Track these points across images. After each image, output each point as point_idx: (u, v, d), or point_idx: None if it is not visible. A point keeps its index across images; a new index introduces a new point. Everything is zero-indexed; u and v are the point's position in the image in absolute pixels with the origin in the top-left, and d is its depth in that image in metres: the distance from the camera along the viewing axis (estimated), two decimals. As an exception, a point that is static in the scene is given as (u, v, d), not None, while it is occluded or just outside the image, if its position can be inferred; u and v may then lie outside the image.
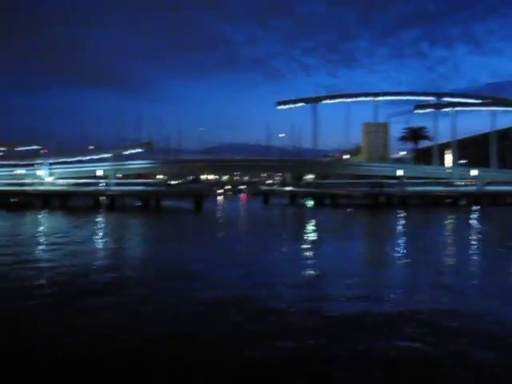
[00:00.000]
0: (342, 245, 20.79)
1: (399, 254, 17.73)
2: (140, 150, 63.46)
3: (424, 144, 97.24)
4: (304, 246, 19.62)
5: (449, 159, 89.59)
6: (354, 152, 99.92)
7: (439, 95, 64.56)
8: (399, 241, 22.73)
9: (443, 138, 70.60)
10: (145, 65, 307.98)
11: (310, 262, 16.14)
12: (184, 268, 14.51)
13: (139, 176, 70.42)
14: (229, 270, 14.07)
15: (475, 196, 52.49)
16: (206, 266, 14.84)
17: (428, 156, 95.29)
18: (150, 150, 66.31)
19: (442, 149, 72.32)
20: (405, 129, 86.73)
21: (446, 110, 61.43)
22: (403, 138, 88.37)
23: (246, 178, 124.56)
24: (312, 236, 24.32)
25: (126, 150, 62.07)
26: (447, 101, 63.85)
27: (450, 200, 52.10)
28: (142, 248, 20.26)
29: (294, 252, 18.26)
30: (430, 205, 50.24)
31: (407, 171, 64.92)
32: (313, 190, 58.62)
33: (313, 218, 37.55)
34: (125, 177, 66.12)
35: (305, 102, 65.51)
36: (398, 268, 15.17)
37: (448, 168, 63.00)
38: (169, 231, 28.15)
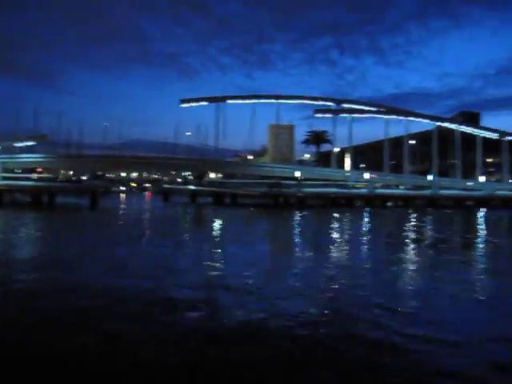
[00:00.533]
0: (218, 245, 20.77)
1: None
2: (32, 143, 59.81)
3: (327, 147, 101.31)
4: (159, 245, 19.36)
5: (348, 163, 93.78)
6: (261, 153, 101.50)
7: (339, 101, 67.10)
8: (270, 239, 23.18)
9: (345, 143, 73.61)
10: (53, 55, 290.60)
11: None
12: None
13: (33, 170, 66.20)
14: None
15: (367, 198, 55.37)
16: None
17: (329, 159, 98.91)
18: (44, 143, 62.71)
19: (343, 153, 75.25)
20: (308, 132, 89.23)
21: (344, 115, 63.90)
22: (306, 141, 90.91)
23: (156, 176, 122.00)
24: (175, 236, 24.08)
25: (16, 141, 58.15)
26: (346, 107, 66.54)
27: (344, 201, 54.44)
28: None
29: (140, 251, 17.89)
30: (328, 205, 52.08)
31: (307, 173, 66.97)
32: (213, 189, 58.61)
33: (201, 216, 37.49)
34: (24, 171, 62.12)
35: (208, 101, 65.20)
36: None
37: (345, 171, 65.62)
38: (40, 229, 26.55)
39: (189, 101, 65.48)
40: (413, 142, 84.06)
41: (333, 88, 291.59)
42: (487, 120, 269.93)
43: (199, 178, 68.93)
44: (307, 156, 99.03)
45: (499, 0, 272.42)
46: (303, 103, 69.04)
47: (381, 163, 70.12)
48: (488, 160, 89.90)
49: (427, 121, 67.73)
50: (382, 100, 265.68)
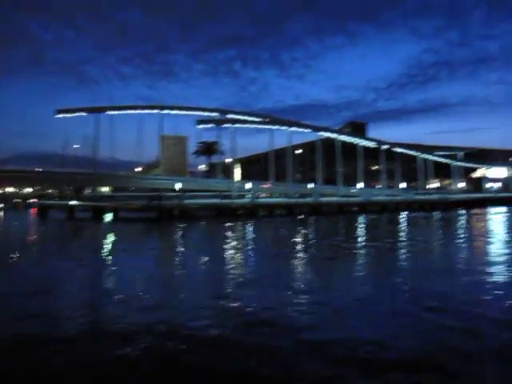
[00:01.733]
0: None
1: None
2: None
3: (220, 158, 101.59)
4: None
5: (238, 173, 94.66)
6: (155, 164, 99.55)
7: (224, 112, 67.22)
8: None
9: (239, 154, 73.98)
10: None
11: None
12: None
13: None
14: None
15: (251, 208, 55.60)
16: None
17: (221, 170, 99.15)
18: None
19: (233, 164, 75.54)
20: (199, 143, 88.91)
21: (228, 126, 64.12)
22: (197, 152, 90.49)
23: (50, 191, 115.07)
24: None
25: None
26: (230, 118, 66.87)
27: (228, 211, 54.21)
28: None
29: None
30: (214, 216, 51.55)
31: (193, 184, 66.53)
32: (92, 203, 56.07)
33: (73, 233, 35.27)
34: None
35: (87, 112, 62.38)
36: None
37: (228, 181, 65.82)
38: None
39: (66, 111, 62.22)
40: (299, 151, 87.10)
41: (236, 99, 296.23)
42: (378, 130, 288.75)
43: (77, 191, 65.66)
44: (203, 167, 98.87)
45: (390, 20, 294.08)
46: (200, 115, 68.01)
47: (267, 173, 71.62)
48: (374, 168, 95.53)
49: (309, 130, 69.77)
50: (283, 111, 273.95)
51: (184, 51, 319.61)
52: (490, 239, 26.00)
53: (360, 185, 70.22)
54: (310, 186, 66.12)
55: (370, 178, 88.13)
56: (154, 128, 68.77)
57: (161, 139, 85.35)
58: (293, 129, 69.25)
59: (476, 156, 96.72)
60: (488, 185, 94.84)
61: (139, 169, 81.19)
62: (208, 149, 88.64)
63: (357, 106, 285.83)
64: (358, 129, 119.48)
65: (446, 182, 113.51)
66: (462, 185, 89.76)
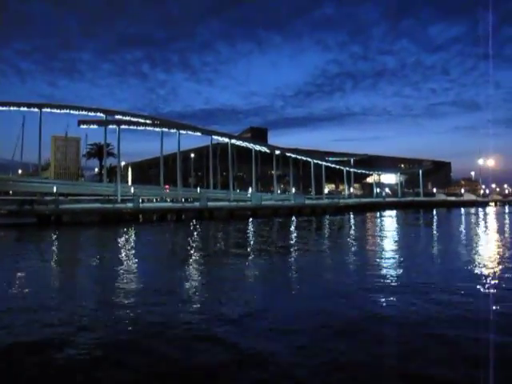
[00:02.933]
0: None
1: None
2: None
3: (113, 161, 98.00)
4: None
5: (129, 177, 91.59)
6: (46, 167, 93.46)
7: (109, 112, 64.27)
8: None
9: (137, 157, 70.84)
10: None
11: None
12: None
13: None
14: None
15: (132, 213, 53.09)
16: None
17: (113, 173, 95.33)
18: None
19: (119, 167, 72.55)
20: (89, 145, 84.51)
21: (113, 126, 61.33)
22: (88, 154, 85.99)
23: None
24: None
25: None
26: (117, 119, 64.16)
27: (112, 216, 51.40)
28: None
29: None
30: (99, 222, 48.47)
31: (77, 189, 62.88)
32: None
33: None
34: None
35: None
36: None
37: (112, 185, 62.97)
38: None
39: None
40: (192, 155, 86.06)
41: (144, 101, 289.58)
42: (286, 137, 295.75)
43: None
44: (97, 170, 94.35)
45: (297, 30, 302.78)
46: (86, 114, 63.99)
47: (170, 178, 69.55)
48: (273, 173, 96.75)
49: (198, 134, 68.75)
50: (193, 115, 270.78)
51: (90, 48, 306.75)
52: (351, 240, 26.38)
53: (251, 190, 70.21)
54: (198, 190, 64.99)
55: (268, 184, 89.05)
56: (45, 128, 64.02)
57: (52, 140, 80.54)
58: (191, 132, 68.08)
59: (366, 162, 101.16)
60: (377, 190, 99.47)
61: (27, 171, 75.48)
62: (99, 151, 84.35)
63: (265, 113, 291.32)
64: (259, 134, 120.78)
65: (342, 187, 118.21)
66: (352, 190, 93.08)
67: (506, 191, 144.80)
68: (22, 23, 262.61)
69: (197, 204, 59.41)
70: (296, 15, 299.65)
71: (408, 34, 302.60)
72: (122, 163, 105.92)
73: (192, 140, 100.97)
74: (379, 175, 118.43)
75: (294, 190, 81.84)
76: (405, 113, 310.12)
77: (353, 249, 23.70)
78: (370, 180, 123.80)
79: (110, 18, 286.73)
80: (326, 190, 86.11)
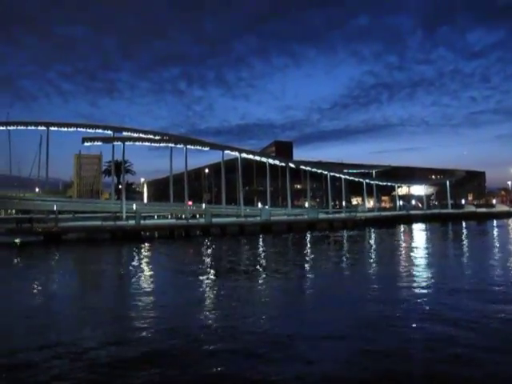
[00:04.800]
0: None
1: None
2: None
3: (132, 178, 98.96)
4: None
5: (145, 194, 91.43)
6: (69, 185, 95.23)
7: (117, 129, 64.22)
8: None
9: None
10: None
11: None
12: None
13: None
14: None
15: (132, 230, 52.16)
16: None
17: (130, 191, 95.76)
18: None
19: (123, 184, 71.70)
20: (107, 162, 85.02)
21: (118, 143, 60.99)
22: (105, 172, 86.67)
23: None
24: None
25: None
26: (125, 135, 64.00)
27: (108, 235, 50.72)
28: None
29: None
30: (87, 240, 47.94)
31: (79, 206, 62.74)
32: None
33: None
34: None
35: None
36: None
37: (117, 202, 62.48)
38: None
39: None
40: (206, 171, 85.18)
41: (181, 118, 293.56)
42: (323, 150, 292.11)
43: None
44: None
45: (332, 43, 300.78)
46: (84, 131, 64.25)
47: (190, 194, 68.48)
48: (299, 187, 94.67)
49: (207, 148, 67.47)
50: (230, 130, 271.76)
51: (128, 68, 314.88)
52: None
53: (260, 205, 68.17)
54: (203, 206, 63.65)
55: (294, 198, 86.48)
56: (57, 145, 64.57)
57: (75, 158, 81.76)
58: (199, 147, 67.01)
59: (391, 174, 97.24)
60: (401, 202, 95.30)
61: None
62: (117, 168, 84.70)
63: (302, 126, 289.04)
64: (284, 148, 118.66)
65: (370, 199, 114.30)
66: (374, 203, 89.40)
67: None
68: (64, 47, 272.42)
69: (202, 220, 58.02)
70: (330, 27, 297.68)
71: (445, 41, 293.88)
72: (141, 179, 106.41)
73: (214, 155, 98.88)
74: (409, 187, 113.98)
75: (307, 204, 79.16)
76: (444, 122, 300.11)
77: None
78: (400, 192, 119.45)
79: (146, 38, 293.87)
80: (344, 203, 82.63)
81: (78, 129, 61.48)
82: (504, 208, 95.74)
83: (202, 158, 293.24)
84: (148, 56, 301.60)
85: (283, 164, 74.86)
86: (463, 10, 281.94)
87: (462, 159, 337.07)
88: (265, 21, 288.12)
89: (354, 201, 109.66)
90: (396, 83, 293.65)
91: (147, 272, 23.14)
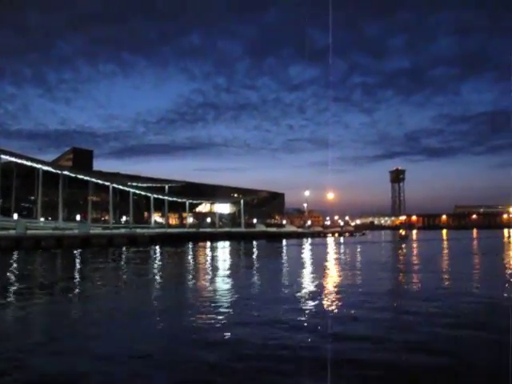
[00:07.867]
0: None
1: None
2: None
3: None
4: None
5: None
6: None
7: None
8: None
9: None
10: None
11: None
12: None
13: None
14: None
15: None
16: None
17: None
18: None
19: None
20: None
21: None
22: None
23: None
24: None
25: None
26: None
27: None
28: None
29: None
30: None
31: None
32: None
33: None
34: None
35: None
36: None
37: None
38: None
39: None
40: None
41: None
42: (147, 164, 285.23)
43: None
44: None
45: (163, 57, 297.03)
46: None
47: None
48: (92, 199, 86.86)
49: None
50: (47, 135, 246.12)
51: None
52: None
53: (16, 216, 59.96)
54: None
55: (83, 210, 78.54)
56: None
57: None
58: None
59: (192, 191, 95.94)
60: (191, 219, 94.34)
61: None
62: None
63: (126, 138, 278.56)
64: (82, 157, 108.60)
65: (174, 215, 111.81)
66: (161, 219, 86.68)
67: (341, 223, 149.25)
68: None
69: None
70: (163, 41, 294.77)
71: (270, 71, 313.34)
72: None
73: None
74: (212, 204, 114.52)
75: (78, 217, 72.77)
76: (264, 146, 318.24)
77: None
78: (203, 209, 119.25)
79: None
80: (131, 218, 77.85)
81: None
82: (292, 228, 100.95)
83: None
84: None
85: (52, 170, 67.01)
86: (287, 45, 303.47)
87: (277, 181, 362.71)
88: (96, 24, 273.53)
89: (157, 216, 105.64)
90: (223, 104, 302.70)
91: None
